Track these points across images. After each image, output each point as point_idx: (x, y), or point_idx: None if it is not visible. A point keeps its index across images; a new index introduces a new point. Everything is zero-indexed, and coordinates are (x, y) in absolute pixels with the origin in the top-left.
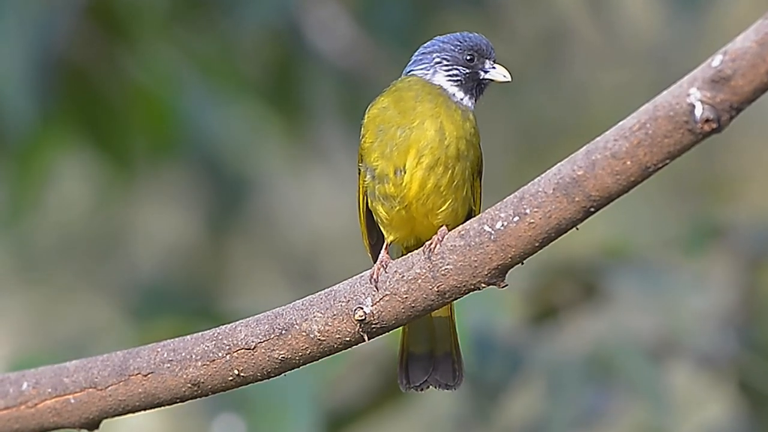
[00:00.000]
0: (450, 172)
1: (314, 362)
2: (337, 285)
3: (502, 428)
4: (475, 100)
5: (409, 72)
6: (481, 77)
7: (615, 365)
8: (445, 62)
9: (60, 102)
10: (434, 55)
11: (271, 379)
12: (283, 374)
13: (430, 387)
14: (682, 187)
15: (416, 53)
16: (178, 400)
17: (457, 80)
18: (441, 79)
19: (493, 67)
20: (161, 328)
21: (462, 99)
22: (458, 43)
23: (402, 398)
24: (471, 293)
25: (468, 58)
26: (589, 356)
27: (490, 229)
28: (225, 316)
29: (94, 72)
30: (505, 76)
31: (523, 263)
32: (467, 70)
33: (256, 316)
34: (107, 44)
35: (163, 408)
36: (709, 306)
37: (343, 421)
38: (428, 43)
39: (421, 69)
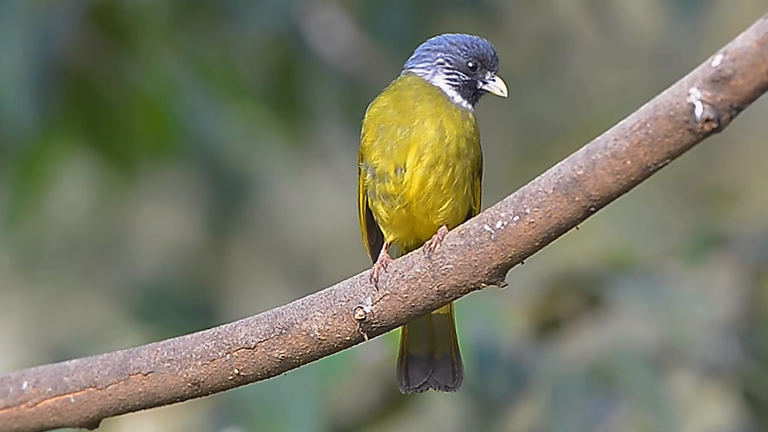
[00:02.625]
0: (450, 170)
1: (316, 372)
2: (338, 284)
3: None
4: (472, 105)
5: (410, 68)
6: (478, 87)
7: (618, 376)
8: (447, 64)
9: (62, 106)
10: (438, 54)
11: (275, 393)
12: (283, 374)
13: (430, 388)
14: (685, 194)
15: (421, 47)
16: (178, 400)
17: (456, 85)
18: (440, 81)
19: (493, 80)
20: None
21: (461, 102)
22: (465, 48)
23: (404, 411)
24: (472, 296)
25: (471, 65)
26: (592, 367)
27: (490, 229)
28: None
29: (95, 76)
30: (502, 92)
31: (523, 263)
32: (467, 78)
33: (256, 316)
34: (109, 49)
35: (163, 408)
36: (712, 315)
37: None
38: (436, 39)
39: (422, 67)
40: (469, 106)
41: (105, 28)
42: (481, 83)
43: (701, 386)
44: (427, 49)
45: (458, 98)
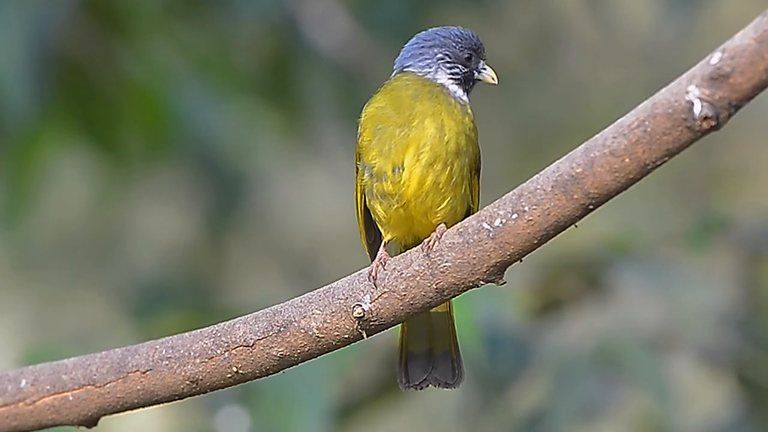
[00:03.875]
0: (449, 168)
1: (315, 359)
2: (336, 282)
3: (507, 420)
4: (467, 95)
5: (407, 66)
6: (474, 77)
7: (619, 358)
8: (447, 59)
9: (57, 96)
10: (436, 50)
11: (285, 374)
12: (281, 371)
13: (430, 386)
14: (684, 182)
15: (413, 44)
16: (176, 398)
17: (458, 79)
18: (443, 77)
19: (485, 68)
20: (161, 326)
21: (461, 96)
22: (459, 41)
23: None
24: (470, 291)
25: (467, 56)
26: (594, 349)
27: (488, 227)
28: (225, 312)
29: (90, 66)
30: (493, 79)
31: (521, 260)
32: (465, 69)
33: (254, 314)
34: (104, 39)
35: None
36: (711, 300)
37: (348, 412)
38: (425, 34)
39: (422, 65)
40: (467, 99)
41: (100, 17)
42: (476, 73)
43: (698, 370)
44: (422, 46)
45: (460, 92)
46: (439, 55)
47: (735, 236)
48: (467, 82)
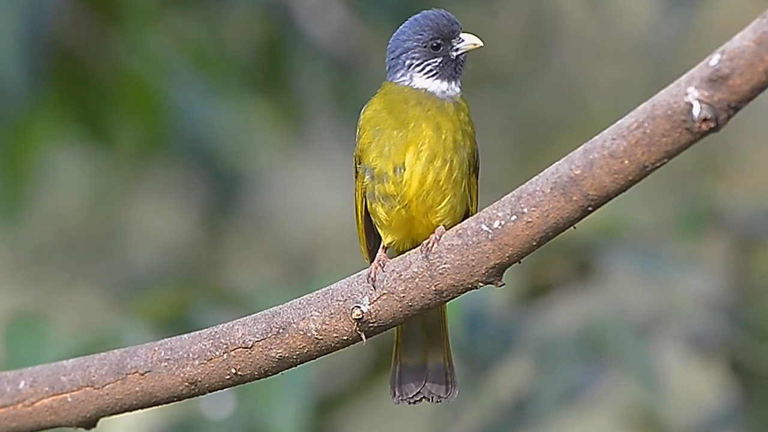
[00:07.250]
0: (448, 165)
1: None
2: (335, 284)
3: (491, 402)
4: (459, 76)
5: (390, 80)
6: (453, 58)
7: (606, 343)
8: (416, 62)
9: (51, 86)
10: (403, 57)
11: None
12: (280, 373)
13: (423, 399)
14: (676, 169)
15: (387, 56)
16: (175, 399)
17: (435, 74)
18: (420, 81)
19: (462, 41)
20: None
21: (448, 90)
22: (420, 36)
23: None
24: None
25: (434, 45)
26: (581, 333)
27: (487, 228)
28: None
29: (85, 56)
30: (476, 44)
31: (520, 262)
32: (438, 60)
33: (253, 315)
34: (99, 28)
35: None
36: (701, 286)
37: (334, 398)
38: (392, 42)
39: (398, 76)
40: (457, 87)
41: (94, 6)
42: (453, 54)
43: (689, 356)
44: (391, 58)
45: (443, 86)
46: (408, 62)
47: (727, 223)
48: (448, 67)
